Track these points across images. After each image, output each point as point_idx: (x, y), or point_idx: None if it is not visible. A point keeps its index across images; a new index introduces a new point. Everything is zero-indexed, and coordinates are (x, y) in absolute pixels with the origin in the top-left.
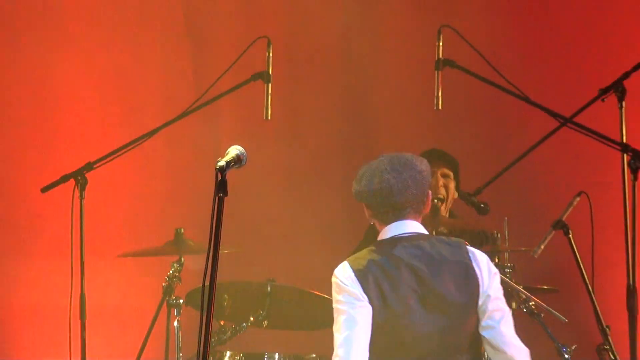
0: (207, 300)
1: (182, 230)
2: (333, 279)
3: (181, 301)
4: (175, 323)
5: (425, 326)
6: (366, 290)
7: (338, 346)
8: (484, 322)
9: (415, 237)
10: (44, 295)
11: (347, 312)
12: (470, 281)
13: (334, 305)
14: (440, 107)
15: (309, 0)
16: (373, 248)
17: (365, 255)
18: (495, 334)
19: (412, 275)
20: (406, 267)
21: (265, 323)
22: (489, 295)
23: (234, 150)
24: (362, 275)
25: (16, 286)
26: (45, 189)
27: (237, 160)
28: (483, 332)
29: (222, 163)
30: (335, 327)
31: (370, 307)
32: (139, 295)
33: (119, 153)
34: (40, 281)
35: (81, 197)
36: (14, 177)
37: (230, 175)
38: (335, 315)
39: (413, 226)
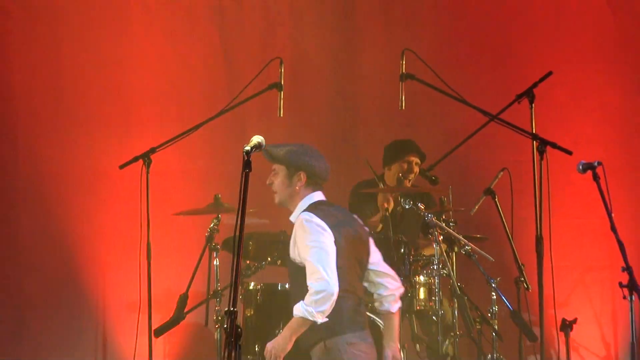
0: (237, 245)
1: (220, 195)
2: (307, 224)
3: (219, 246)
4: (215, 262)
5: (354, 260)
6: (331, 230)
7: (321, 271)
8: (371, 259)
9: (330, 202)
10: (123, 242)
11: (323, 249)
12: (364, 230)
13: (310, 243)
14: (403, 107)
15: (311, 31)
16: (317, 206)
17: (315, 208)
18: (379, 267)
19: (346, 223)
20: (342, 218)
21: (278, 262)
22: (372, 241)
23: (256, 139)
24: (326, 220)
25: (101, 238)
26: (122, 166)
27: (258, 146)
28: (370, 267)
29: (247, 148)
30: (315, 259)
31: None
32: (188, 242)
33: (174, 140)
34: (119, 232)
35: (147, 172)
36: (98, 157)
37: (253, 157)
38: (312, 250)
39: (324, 195)
